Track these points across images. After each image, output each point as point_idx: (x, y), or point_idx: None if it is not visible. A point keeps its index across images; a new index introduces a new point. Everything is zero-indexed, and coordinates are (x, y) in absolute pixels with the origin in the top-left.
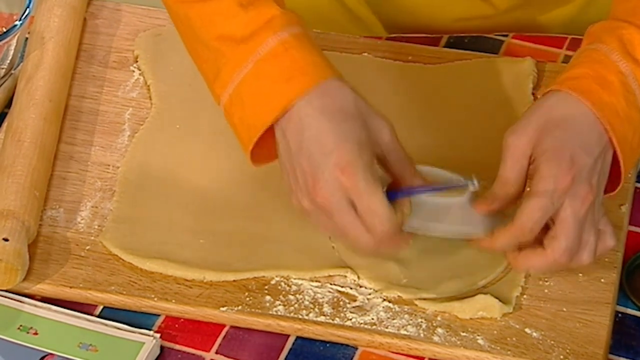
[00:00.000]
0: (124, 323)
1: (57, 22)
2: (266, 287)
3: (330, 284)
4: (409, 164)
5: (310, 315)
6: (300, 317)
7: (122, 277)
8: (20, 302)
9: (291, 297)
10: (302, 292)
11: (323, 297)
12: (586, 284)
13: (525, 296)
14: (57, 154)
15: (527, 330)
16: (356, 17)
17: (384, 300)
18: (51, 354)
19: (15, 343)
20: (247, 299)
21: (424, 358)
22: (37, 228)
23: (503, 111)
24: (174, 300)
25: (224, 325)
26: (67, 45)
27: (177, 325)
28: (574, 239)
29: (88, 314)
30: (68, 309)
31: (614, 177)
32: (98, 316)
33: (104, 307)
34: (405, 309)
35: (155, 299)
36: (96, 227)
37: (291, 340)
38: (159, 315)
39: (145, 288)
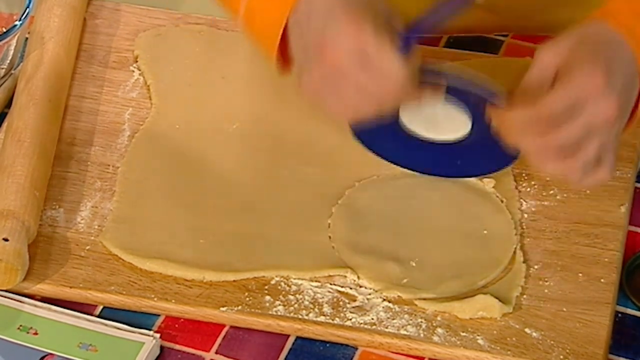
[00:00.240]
0: (124, 323)
1: (57, 22)
2: (266, 287)
3: (330, 284)
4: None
5: (310, 315)
6: (300, 317)
7: (122, 277)
8: (20, 302)
9: (291, 297)
10: (302, 292)
11: (323, 297)
12: (586, 284)
13: (525, 296)
14: (57, 154)
15: (527, 330)
16: None
17: (384, 300)
18: (51, 354)
19: (15, 343)
20: (247, 299)
21: (423, 358)
22: (37, 228)
23: None
24: (173, 300)
25: (223, 325)
26: (67, 45)
27: (177, 325)
28: (590, 149)
29: (88, 314)
30: (68, 309)
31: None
32: (98, 316)
33: (104, 307)
34: (405, 309)
35: (155, 299)
36: (96, 227)
37: (291, 340)
38: (159, 315)
39: (145, 288)
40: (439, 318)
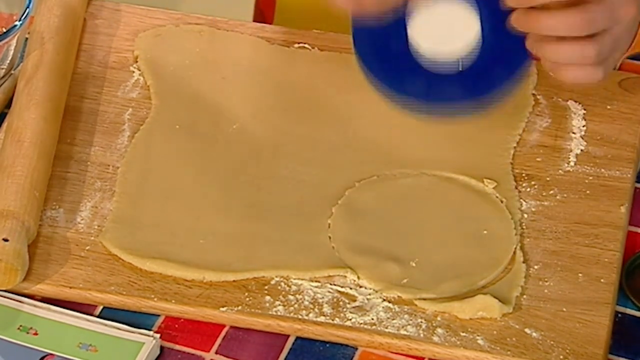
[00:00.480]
0: (124, 323)
1: (57, 22)
2: (266, 287)
3: (330, 284)
4: None
5: (310, 315)
6: (300, 317)
7: (122, 278)
8: (20, 302)
9: (291, 297)
10: (302, 292)
11: (323, 297)
12: (586, 284)
13: (525, 296)
14: (57, 154)
15: (527, 330)
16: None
17: (384, 300)
18: (51, 354)
19: (15, 343)
20: (247, 299)
21: (423, 358)
22: (37, 228)
23: (503, 112)
24: (173, 301)
25: (223, 326)
26: (67, 45)
27: (177, 326)
28: (607, 38)
29: (88, 314)
30: (68, 309)
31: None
32: (98, 316)
33: (104, 307)
34: (405, 309)
35: (155, 299)
36: (96, 227)
37: (291, 340)
38: (159, 315)
39: (145, 288)
40: (438, 318)
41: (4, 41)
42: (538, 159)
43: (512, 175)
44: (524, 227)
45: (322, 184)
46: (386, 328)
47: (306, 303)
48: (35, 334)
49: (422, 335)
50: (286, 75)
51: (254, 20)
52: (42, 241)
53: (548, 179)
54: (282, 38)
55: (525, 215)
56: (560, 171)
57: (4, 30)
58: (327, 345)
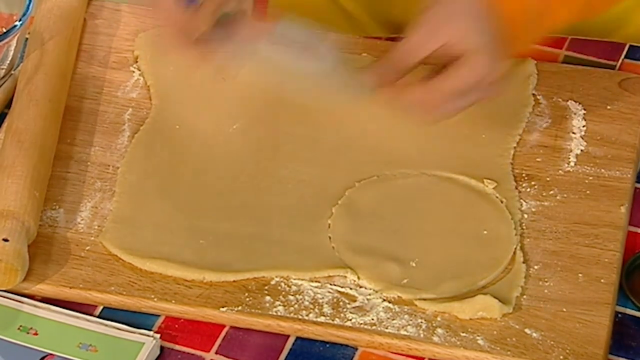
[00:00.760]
0: (124, 323)
1: (57, 22)
2: (266, 287)
3: (330, 285)
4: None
5: (310, 315)
6: (300, 317)
7: (122, 278)
8: (20, 302)
9: (291, 297)
10: (302, 292)
11: (323, 298)
12: (586, 285)
13: (525, 296)
14: (57, 154)
15: (527, 330)
16: (352, 17)
17: (384, 300)
18: (51, 354)
19: (15, 343)
20: (247, 299)
21: (423, 358)
22: (37, 228)
23: (503, 112)
24: (173, 301)
25: (223, 326)
26: (67, 46)
27: (177, 326)
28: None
29: (88, 314)
30: (68, 309)
31: None
32: (98, 316)
33: (104, 308)
34: (405, 310)
35: (155, 299)
36: (96, 227)
37: (291, 340)
38: (159, 315)
39: (145, 288)
40: (439, 318)
41: (4, 41)
42: (538, 159)
43: (512, 175)
44: (524, 227)
45: (322, 184)
46: (386, 328)
47: (306, 303)
48: (36, 334)
49: (422, 335)
50: None
51: None
52: (42, 241)
53: (548, 179)
54: None
55: (525, 216)
56: (560, 171)
57: (4, 30)
58: (327, 345)
